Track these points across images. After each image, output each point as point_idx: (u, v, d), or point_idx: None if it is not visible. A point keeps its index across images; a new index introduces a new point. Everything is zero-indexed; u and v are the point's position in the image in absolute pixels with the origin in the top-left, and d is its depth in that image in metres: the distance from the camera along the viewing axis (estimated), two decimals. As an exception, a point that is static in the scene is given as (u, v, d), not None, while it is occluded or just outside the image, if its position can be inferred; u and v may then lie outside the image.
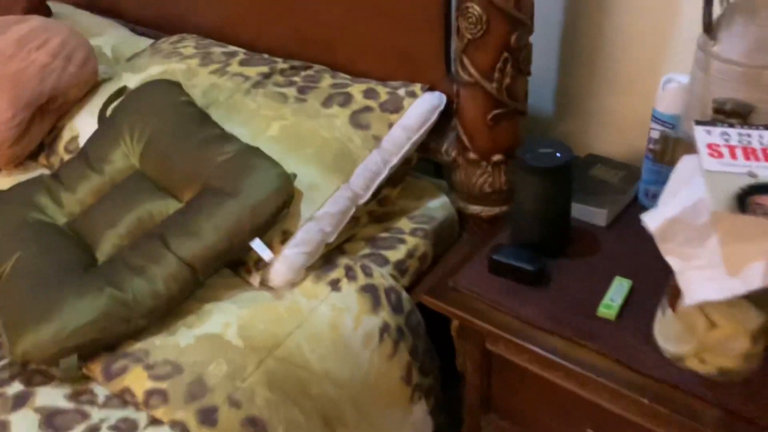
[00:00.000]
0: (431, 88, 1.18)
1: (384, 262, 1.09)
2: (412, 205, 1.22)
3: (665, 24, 1.07)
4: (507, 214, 1.13)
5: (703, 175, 0.69)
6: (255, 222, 0.96)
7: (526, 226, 0.98)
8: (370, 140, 1.11)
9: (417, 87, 1.17)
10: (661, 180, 1.01)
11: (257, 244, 0.96)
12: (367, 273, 1.05)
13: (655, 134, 1.00)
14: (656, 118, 1.00)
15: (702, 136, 0.75)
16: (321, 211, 1.04)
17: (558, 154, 0.91)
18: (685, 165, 0.77)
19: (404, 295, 1.06)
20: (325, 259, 1.06)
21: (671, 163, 0.89)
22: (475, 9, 1.01)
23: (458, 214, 1.22)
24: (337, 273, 1.03)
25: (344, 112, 1.14)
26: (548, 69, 1.26)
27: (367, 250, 1.11)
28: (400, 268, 1.10)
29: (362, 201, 1.10)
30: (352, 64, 1.27)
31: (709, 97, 0.85)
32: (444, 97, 1.18)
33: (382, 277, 1.05)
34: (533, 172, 0.92)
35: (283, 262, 1.00)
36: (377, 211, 1.18)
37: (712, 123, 0.77)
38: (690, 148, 0.87)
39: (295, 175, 1.02)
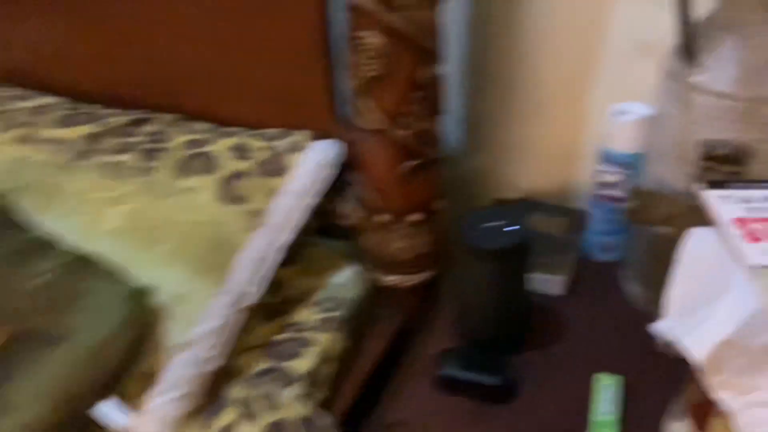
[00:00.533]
0: (321, 136, 0.92)
1: (289, 379, 0.82)
2: (313, 285, 0.96)
3: (593, 42, 0.89)
4: (455, 309, 0.90)
5: (748, 272, 0.50)
6: (95, 375, 0.66)
7: (479, 321, 0.76)
8: (250, 218, 0.84)
9: (302, 136, 0.91)
10: (617, 229, 0.83)
11: (105, 409, 0.66)
12: (271, 404, 0.77)
13: (610, 178, 0.81)
14: (610, 159, 0.80)
15: (721, 206, 0.55)
16: (195, 332, 0.75)
17: (509, 228, 0.69)
18: (697, 246, 0.57)
19: (325, 421, 0.80)
20: (210, 394, 0.77)
21: (650, 222, 0.70)
22: (374, 40, 0.76)
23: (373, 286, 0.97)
24: (229, 415, 0.75)
25: (208, 183, 0.85)
26: (452, 95, 1.04)
27: (264, 365, 0.84)
28: (312, 381, 0.83)
29: (252, 301, 0.82)
30: (214, 108, 0.98)
31: (691, 139, 0.67)
32: (338, 146, 0.92)
33: (292, 404, 0.78)
34: (484, 257, 0.69)
35: (149, 419, 0.70)
36: (270, 304, 0.90)
37: (723, 183, 0.58)
38: (672, 202, 0.68)
39: (149, 289, 0.72)
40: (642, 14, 0.83)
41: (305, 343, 0.86)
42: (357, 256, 1.01)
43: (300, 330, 0.88)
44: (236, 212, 0.83)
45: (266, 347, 0.86)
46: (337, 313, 0.91)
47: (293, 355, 0.85)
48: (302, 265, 0.96)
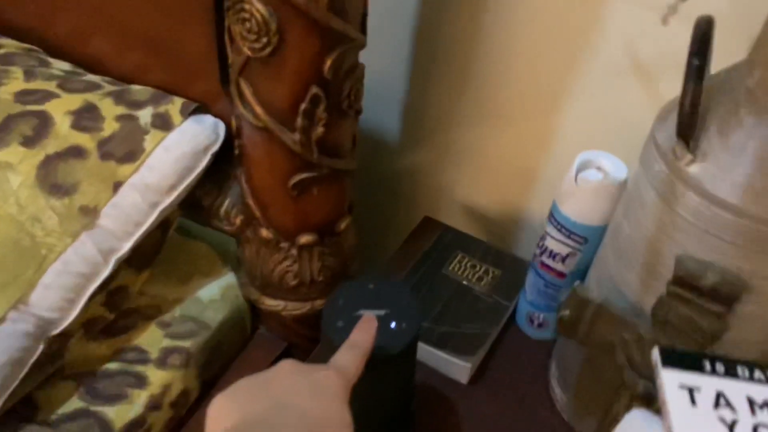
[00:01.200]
0: (201, 108, 0.70)
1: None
2: (171, 296, 0.76)
3: (577, 53, 0.65)
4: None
5: None
6: None
7: None
8: (76, 217, 0.62)
9: (175, 106, 0.68)
10: (552, 305, 0.64)
11: None
12: (62, 473, 0.59)
13: (555, 246, 0.61)
14: (558, 223, 0.60)
15: (679, 400, 0.36)
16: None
17: (392, 323, 0.49)
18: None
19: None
20: (-21, 450, 0.59)
21: (583, 343, 0.50)
22: (257, 9, 0.52)
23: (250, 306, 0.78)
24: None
25: (30, 159, 0.63)
26: (394, 74, 0.82)
27: (76, 405, 0.65)
28: (132, 436, 0.65)
29: (58, 329, 0.62)
30: (82, 42, 0.74)
31: (668, 248, 0.46)
32: (222, 127, 0.70)
33: (92, 473, 0.60)
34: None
35: None
36: (104, 319, 0.71)
37: (689, 359, 0.38)
38: (616, 325, 0.49)
39: None
40: (641, 26, 0.60)
41: (136, 382, 0.67)
42: (235, 263, 0.81)
43: (135, 362, 0.69)
44: (58, 206, 0.62)
45: (85, 379, 0.67)
46: (187, 344, 0.71)
47: (115, 398, 0.66)
48: (161, 267, 0.76)
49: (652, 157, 0.46)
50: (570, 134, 0.71)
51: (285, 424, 0.36)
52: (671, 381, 0.36)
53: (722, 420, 0.35)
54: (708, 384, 0.36)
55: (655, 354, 0.38)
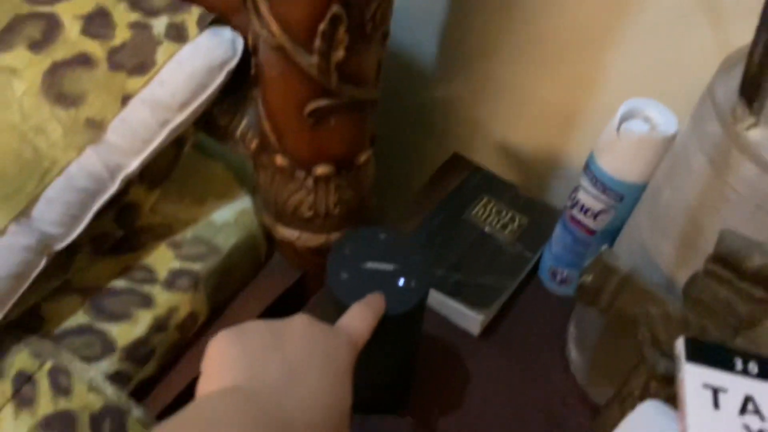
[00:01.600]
0: (220, 20, 0.64)
1: (102, 349, 0.63)
2: (183, 216, 0.73)
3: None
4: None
5: None
6: None
7: None
8: (82, 129, 0.59)
9: (192, 16, 0.63)
10: (578, 262, 0.59)
11: None
12: (60, 387, 0.59)
13: (588, 201, 0.55)
14: (593, 176, 0.54)
15: (701, 401, 0.31)
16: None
17: (400, 280, 0.45)
18: (641, 426, 0.34)
19: (133, 414, 0.62)
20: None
21: (603, 312, 0.46)
22: None
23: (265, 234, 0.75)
24: (-3, 395, 0.57)
25: (37, 65, 0.59)
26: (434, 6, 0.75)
27: (81, 320, 0.64)
28: (134, 357, 0.64)
29: (62, 244, 0.60)
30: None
31: (712, 221, 0.41)
32: (240, 43, 0.65)
33: (91, 389, 0.60)
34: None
35: None
36: (113, 235, 0.69)
37: (719, 353, 0.34)
38: (642, 297, 0.45)
39: None
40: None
41: (142, 302, 0.66)
42: (252, 188, 0.77)
43: (142, 281, 0.68)
44: (63, 117, 0.59)
45: (91, 294, 0.66)
46: (197, 267, 0.69)
47: (120, 317, 0.65)
48: (175, 186, 0.73)
49: (707, 114, 0.40)
50: (619, 77, 0.64)
51: (292, 398, 0.34)
52: (694, 378, 0.32)
53: (747, 429, 0.31)
54: (736, 385, 0.32)
55: (680, 345, 0.34)
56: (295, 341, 0.37)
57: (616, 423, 0.48)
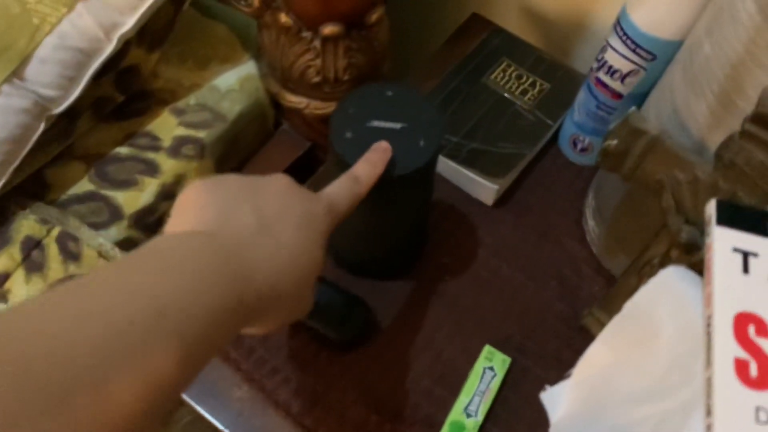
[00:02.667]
0: None
1: (112, 216, 0.62)
2: (186, 81, 0.70)
3: None
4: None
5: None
6: None
7: (353, 248, 0.53)
8: (71, -18, 0.55)
9: None
10: (601, 129, 0.57)
11: None
12: (69, 252, 0.59)
13: (617, 61, 0.51)
14: (624, 33, 0.50)
15: (729, 265, 0.30)
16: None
17: (408, 138, 0.43)
18: (663, 290, 0.33)
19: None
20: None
21: (629, 178, 0.44)
22: None
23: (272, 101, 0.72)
24: (6, 259, 0.57)
25: None
26: None
27: (86, 187, 0.63)
28: (142, 223, 0.64)
29: (60, 107, 0.58)
30: None
31: (755, 79, 0.37)
32: None
33: (101, 255, 0.60)
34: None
35: None
36: (114, 100, 0.66)
37: (752, 217, 0.31)
38: (673, 160, 0.43)
39: None
40: None
41: (147, 169, 0.65)
42: (256, 53, 0.73)
43: (146, 148, 0.66)
44: (49, -32, 0.54)
45: (95, 161, 0.64)
46: (202, 134, 0.67)
47: (126, 183, 0.63)
48: (177, 48, 0.69)
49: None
50: None
51: (257, 251, 0.32)
52: (724, 241, 0.30)
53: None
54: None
55: (711, 207, 0.32)
56: (271, 197, 0.35)
57: (633, 291, 0.47)
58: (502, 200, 0.59)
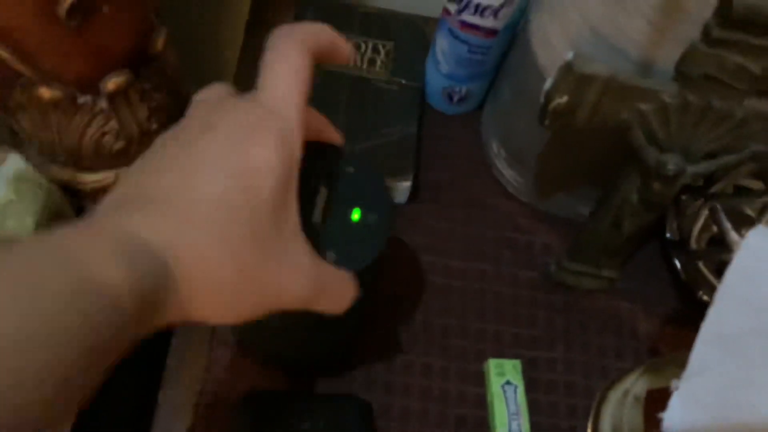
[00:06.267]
0: None
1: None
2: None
3: None
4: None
5: None
6: None
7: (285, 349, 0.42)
8: None
9: None
10: (478, 72, 0.50)
11: None
12: None
13: (484, -3, 0.44)
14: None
15: None
16: None
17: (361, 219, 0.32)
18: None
19: None
20: None
21: (584, 128, 0.39)
22: None
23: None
24: None
25: None
26: None
27: None
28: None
29: None
30: None
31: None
32: None
33: None
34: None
35: None
36: None
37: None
38: (632, 94, 0.38)
39: None
40: None
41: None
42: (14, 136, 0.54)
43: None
44: None
45: None
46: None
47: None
48: None
49: None
50: None
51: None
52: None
53: None
54: None
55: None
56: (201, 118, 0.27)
57: (609, 231, 0.43)
58: (411, 192, 0.51)
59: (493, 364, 0.44)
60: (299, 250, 0.26)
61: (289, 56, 0.26)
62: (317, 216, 0.30)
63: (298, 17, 0.54)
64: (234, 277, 0.24)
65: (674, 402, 0.30)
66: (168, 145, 0.26)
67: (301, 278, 0.26)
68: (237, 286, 0.24)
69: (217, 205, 0.23)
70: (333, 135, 0.31)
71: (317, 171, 0.31)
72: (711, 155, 0.38)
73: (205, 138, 0.25)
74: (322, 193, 0.30)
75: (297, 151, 0.25)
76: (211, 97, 0.28)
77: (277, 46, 0.26)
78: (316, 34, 0.27)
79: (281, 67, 0.26)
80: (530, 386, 0.45)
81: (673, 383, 0.31)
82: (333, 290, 0.28)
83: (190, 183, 0.24)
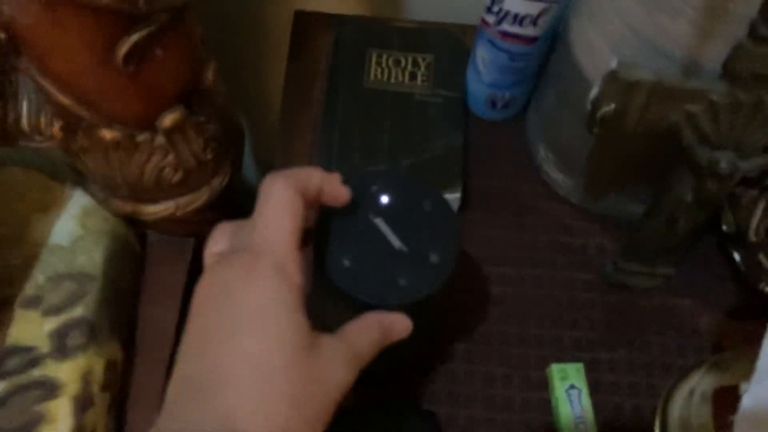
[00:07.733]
0: None
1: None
2: (16, 258, 0.53)
3: None
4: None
5: None
6: None
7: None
8: None
9: None
10: (520, 79, 0.50)
11: None
12: None
13: (516, 5, 0.44)
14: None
15: None
16: None
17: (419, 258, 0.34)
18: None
19: None
20: None
21: (633, 132, 0.39)
22: None
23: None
24: None
25: None
26: None
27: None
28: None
29: None
30: None
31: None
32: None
33: None
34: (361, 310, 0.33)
35: None
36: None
37: None
38: (680, 96, 0.38)
39: None
40: None
41: (44, 393, 0.49)
42: (77, 173, 0.57)
43: (26, 366, 0.49)
44: None
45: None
46: (78, 311, 0.51)
47: (28, 427, 0.47)
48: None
49: None
50: None
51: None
52: None
53: None
54: None
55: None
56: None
57: (664, 231, 0.43)
58: (461, 202, 0.52)
59: (555, 369, 0.45)
60: (323, 353, 0.28)
61: (279, 198, 0.29)
62: (395, 243, 0.33)
63: (338, 39, 0.56)
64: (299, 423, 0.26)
65: (745, 403, 0.30)
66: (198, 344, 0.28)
67: (340, 371, 0.28)
68: (302, 428, 0.26)
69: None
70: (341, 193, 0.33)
71: (398, 206, 0.34)
72: (764, 149, 0.38)
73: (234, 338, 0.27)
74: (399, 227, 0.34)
75: (295, 277, 0.28)
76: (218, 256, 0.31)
77: (268, 189, 0.30)
78: (308, 175, 0.31)
79: (271, 208, 0.29)
80: (593, 389, 0.45)
81: (743, 386, 0.31)
82: (374, 339, 0.31)
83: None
